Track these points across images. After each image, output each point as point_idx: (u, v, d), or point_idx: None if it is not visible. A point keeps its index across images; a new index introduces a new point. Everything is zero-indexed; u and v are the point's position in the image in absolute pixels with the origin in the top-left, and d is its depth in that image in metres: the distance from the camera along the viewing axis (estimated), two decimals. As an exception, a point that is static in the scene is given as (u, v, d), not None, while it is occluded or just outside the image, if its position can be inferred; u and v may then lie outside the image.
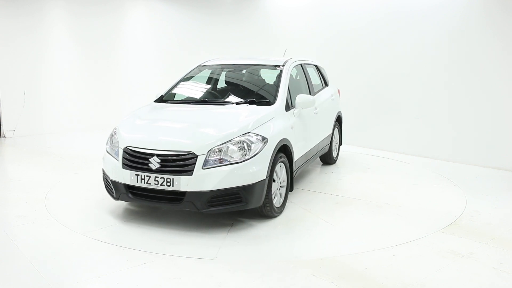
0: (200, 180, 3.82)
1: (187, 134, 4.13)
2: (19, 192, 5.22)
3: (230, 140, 3.98)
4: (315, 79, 6.23)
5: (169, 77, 10.06)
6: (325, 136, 6.06)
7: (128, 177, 4.02)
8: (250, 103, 4.69)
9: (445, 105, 7.08)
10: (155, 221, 4.31)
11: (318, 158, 6.47)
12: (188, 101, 5.13)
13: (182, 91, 5.43)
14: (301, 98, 4.89)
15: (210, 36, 10.68)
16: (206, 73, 5.74)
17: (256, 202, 4.05)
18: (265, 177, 4.04)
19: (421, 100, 7.37)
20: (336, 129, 6.62)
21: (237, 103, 4.74)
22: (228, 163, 3.89)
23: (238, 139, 4.00)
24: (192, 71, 5.68)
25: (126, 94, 10.20)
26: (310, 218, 4.43)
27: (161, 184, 3.87)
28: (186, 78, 5.58)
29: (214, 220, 4.32)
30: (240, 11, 10.47)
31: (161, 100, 5.24)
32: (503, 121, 6.45)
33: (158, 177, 3.88)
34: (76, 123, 9.54)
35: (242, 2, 10.45)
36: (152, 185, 3.91)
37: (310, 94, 5.61)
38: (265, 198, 4.13)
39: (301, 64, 5.74)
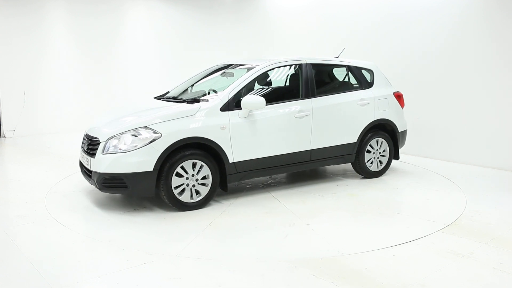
0: (98, 163, 4.47)
1: (104, 124, 4.79)
2: (19, 192, 5.23)
3: (124, 132, 4.48)
4: (340, 80, 5.95)
5: (169, 77, 10.10)
6: (335, 144, 5.52)
7: (80, 156, 4.97)
8: (195, 101, 4.88)
9: (445, 105, 7.07)
10: (157, 221, 4.32)
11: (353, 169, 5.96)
12: (162, 98, 5.51)
13: (176, 88, 5.81)
14: (245, 100, 4.78)
15: (210, 35, 10.68)
16: (210, 73, 5.84)
17: (145, 191, 4.45)
18: (151, 169, 4.37)
19: (421, 101, 7.37)
20: (379, 139, 5.89)
21: (187, 101, 4.91)
22: (119, 151, 4.40)
23: (131, 131, 4.46)
24: (202, 72, 5.96)
25: (126, 93, 10.19)
26: (202, 221, 4.29)
27: (85, 163, 4.73)
28: (193, 78, 5.91)
29: (213, 220, 4.33)
30: (240, 11, 10.48)
31: (159, 96, 5.62)
32: (503, 121, 6.44)
33: (86, 157, 4.72)
34: (76, 123, 9.52)
35: (242, 1, 10.45)
36: (84, 163, 4.79)
37: (304, 96, 5.30)
38: (162, 190, 4.45)
39: (299, 64, 5.42)
